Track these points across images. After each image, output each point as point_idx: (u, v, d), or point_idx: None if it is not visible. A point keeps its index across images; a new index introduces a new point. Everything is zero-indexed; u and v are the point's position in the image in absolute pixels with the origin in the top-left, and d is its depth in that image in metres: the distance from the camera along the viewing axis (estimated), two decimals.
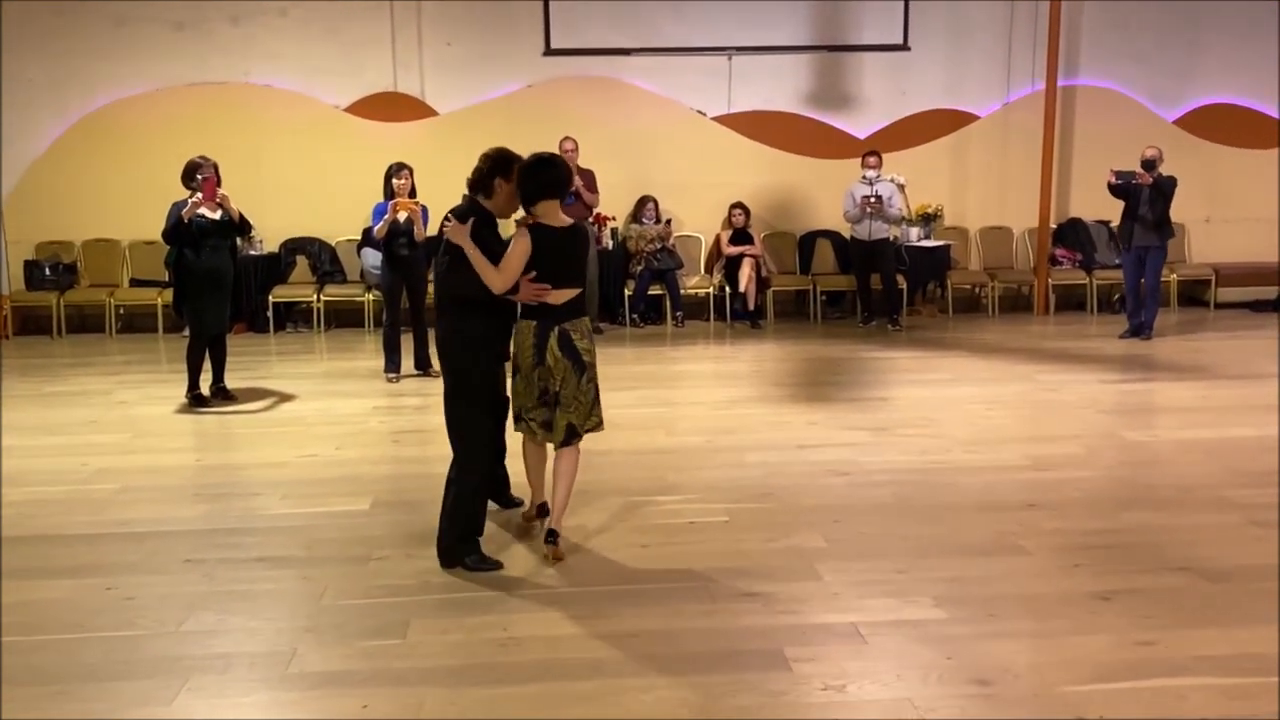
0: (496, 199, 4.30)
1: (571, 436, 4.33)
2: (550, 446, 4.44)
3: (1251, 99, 11.37)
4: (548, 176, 4.25)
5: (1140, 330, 9.36)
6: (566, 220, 4.33)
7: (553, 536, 4.33)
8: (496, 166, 4.28)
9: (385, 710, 3.13)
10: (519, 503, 4.87)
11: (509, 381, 4.39)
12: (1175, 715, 3.06)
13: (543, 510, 4.62)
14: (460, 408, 4.31)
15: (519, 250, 4.17)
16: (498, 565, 4.26)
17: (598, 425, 4.42)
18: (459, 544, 4.26)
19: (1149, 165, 9.01)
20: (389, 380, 8.01)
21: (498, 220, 4.35)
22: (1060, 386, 7.46)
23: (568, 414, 4.30)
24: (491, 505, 4.59)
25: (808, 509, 4.91)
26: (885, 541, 4.48)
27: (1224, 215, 11.23)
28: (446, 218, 4.27)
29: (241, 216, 7.05)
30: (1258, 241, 11.37)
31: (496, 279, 4.14)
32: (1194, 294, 11.14)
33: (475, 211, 4.28)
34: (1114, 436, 6.16)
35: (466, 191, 4.38)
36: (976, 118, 11.11)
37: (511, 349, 4.35)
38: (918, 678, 3.30)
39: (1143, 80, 11.16)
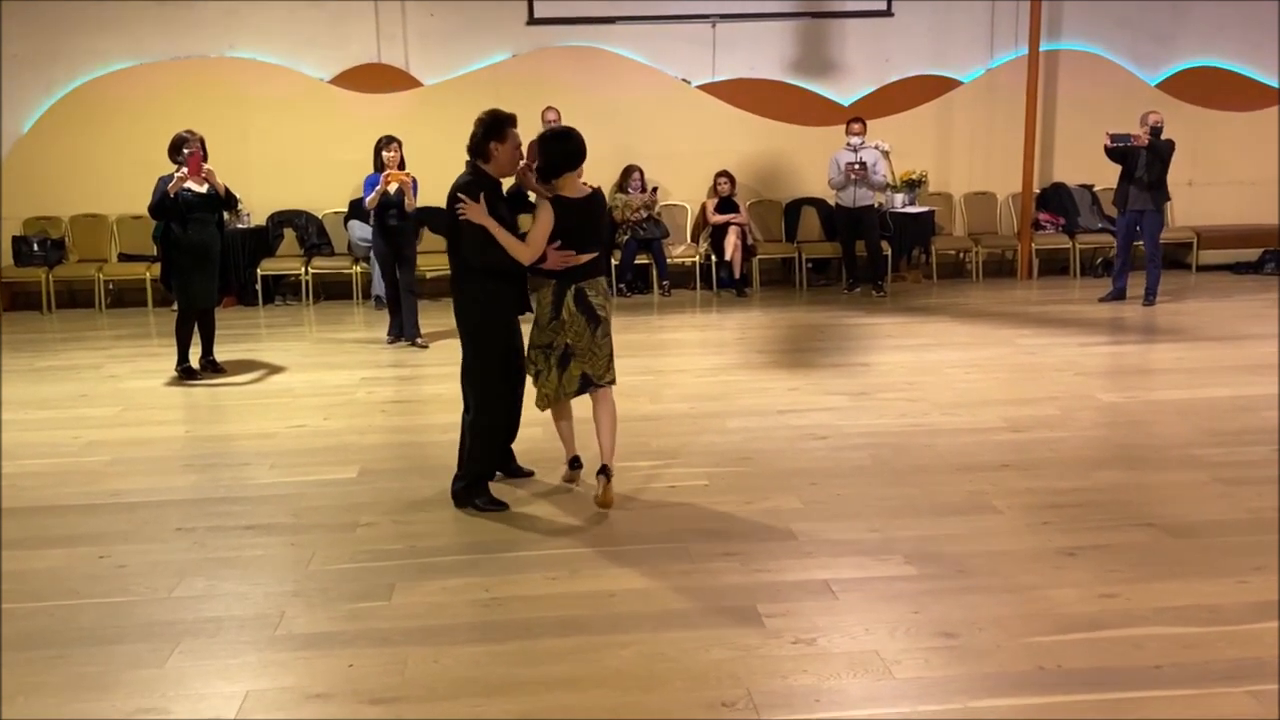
0: (496, 162, 4.42)
1: (586, 385, 4.56)
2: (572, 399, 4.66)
3: (1233, 62, 11.41)
4: (563, 149, 4.40)
5: (1123, 294, 9.44)
6: (585, 189, 4.50)
7: (605, 471, 4.54)
8: (489, 130, 4.39)
9: (370, 668, 3.24)
10: (529, 473, 4.97)
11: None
12: (1131, 663, 3.18)
13: (575, 464, 4.80)
14: (478, 366, 4.55)
15: (543, 224, 4.35)
16: (504, 506, 4.55)
17: (613, 379, 4.62)
18: (471, 486, 4.55)
19: (1155, 131, 9.03)
20: (389, 343, 8.15)
21: (500, 180, 4.49)
22: (1040, 350, 7.57)
23: (582, 364, 4.52)
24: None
25: (786, 472, 5.01)
26: (860, 502, 4.59)
27: (1206, 178, 11.30)
28: (456, 198, 4.34)
29: (227, 191, 7.09)
30: (1239, 204, 11.47)
31: (524, 252, 4.35)
32: (1176, 257, 11.23)
33: (478, 178, 4.39)
34: (1089, 398, 6.27)
35: (468, 158, 4.49)
36: (960, 83, 11.15)
37: (532, 307, 4.53)
38: (885, 631, 3.41)
39: (1125, 44, 11.20)
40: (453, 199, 4.36)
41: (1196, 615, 3.48)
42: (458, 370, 7.31)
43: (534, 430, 5.12)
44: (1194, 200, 11.30)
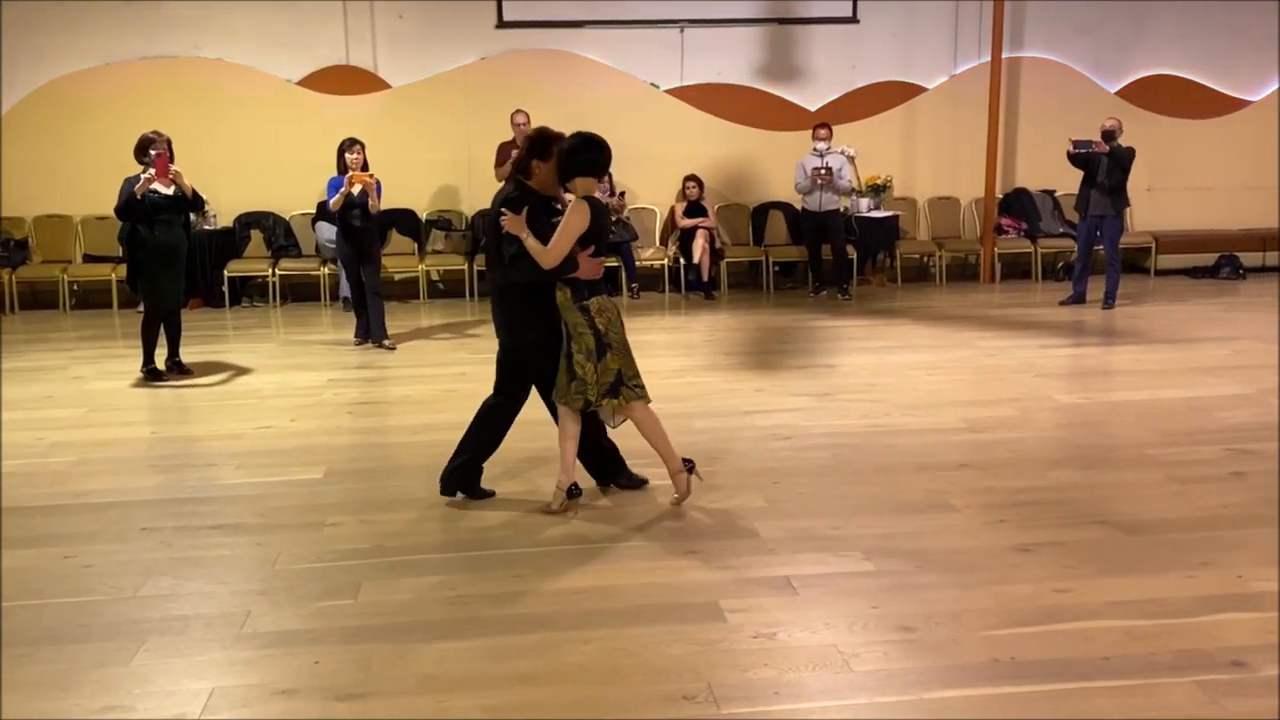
0: (538, 178, 4.46)
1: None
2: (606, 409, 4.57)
3: (1191, 70, 11.65)
4: (592, 157, 4.41)
5: (1083, 298, 9.62)
6: (602, 196, 4.60)
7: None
8: (533, 148, 4.45)
9: (336, 665, 3.27)
10: (643, 480, 4.85)
11: (590, 366, 4.39)
12: (1081, 655, 3.27)
13: (573, 491, 4.58)
14: (512, 375, 4.64)
15: (573, 225, 4.30)
16: (490, 494, 4.73)
17: None
18: (458, 470, 4.69)
19: (1109, 136, 9.22)
20: (356, 344, 8.17)
21: (546, 196, 4.50)
22: (1000, 352, 7.70)
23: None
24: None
25: (750, 472, 5.08)
26: (822, 501, 4.67)
27: (1164, 184, 11.53)
28: (500, 210, 4.39)
29: (194, 192, 7.08)
30: (1196, 210, 11.71)
31: (544, 255, 4.30)
32: (1135, 261, 11.44)
33: (522, 193, 4.43)
34: (1048, 400, 6.39)
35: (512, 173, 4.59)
36: (924, 90, 11.31)
37: (600, 326, 4.38)
38: (844, 625, 3.48)
39: (1086, 52, 11.41)
40: (497, 212, 4.43)
41: (1146, 609, 3.57)
42: (424, 372, 7.40)
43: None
44: (1153, 206, 11.52)
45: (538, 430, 5.89)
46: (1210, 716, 2.92)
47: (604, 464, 4.84)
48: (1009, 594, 3.71)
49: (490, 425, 4.70)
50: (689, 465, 4.64)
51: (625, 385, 4.46)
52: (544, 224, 4.39)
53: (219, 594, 3.81)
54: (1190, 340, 8.04)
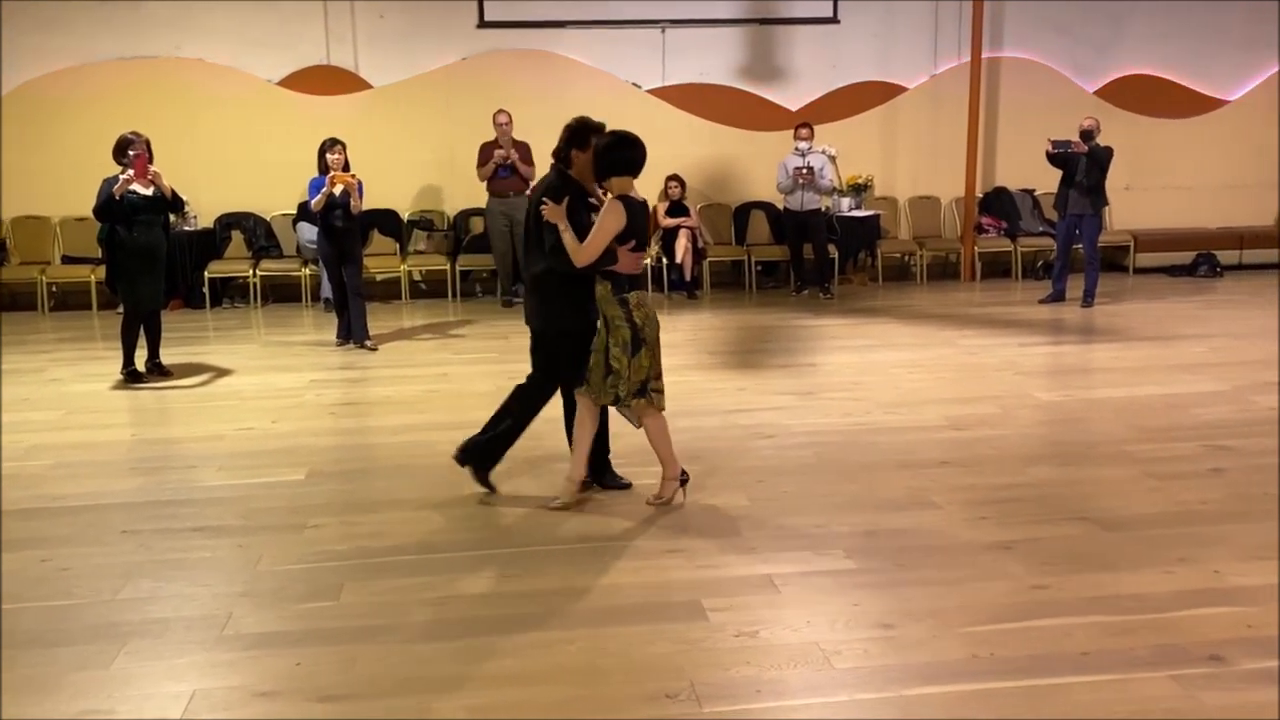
0: (577, 168, 4.51)
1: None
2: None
3: (1168, 71, 11.75)
4: (627, 155, 4.41)
5: (1062, 296, 9.69)
6: (639, 195, 4.54)
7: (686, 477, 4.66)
8: (573, 138, 4.50)
9: (317, 667, 3.26)
10: (626, 484, 4.85)
11: (625, 360, 4.40)
12: (1060, 651, 3.29)
13: (683, 479, 4.65)
14: (561, 361, 4.61)
15: (608, 225, 4.33)
16: (493, 489, 4.73)
17: None
18: (478, 454, 4.72)
19: (1086, 135, 9.29)
20: (338, 345, 8.15)
21: (585, 186, 4.55)
22: (981, 350, 7.75)
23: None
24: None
25: (733, 470, 5.10)
26: (804, 499, 4.69)
27: (1143, 183, 11.62)
28: (542, 199, 4.41)
29: (174, 193, 7.06)
30: (1175, 209, 11.81)
31: (579, 252, 4.33)
32: (1114, 259, 11.53)
33: (563, 182, 4.47)
34: (1028, 397, 6.43)
35: (552, 161, 4.60)
36: (905, 89, 11.36)
37: (637, 321, 4.40)
38: (825, 623, 3.50)
39: (1065, 51, 11.48)
40: (538, 200, 4.45)
41: (1123, 604, 3.61)
42: (406, 373, 7.38)
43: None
44: (1131, 205, 11.60)
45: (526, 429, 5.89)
46: (1186, 710, 2.95)
47: (601, 466, 4.86)
48: (988, 590, 3.74)
49: (522, 399, 4.71)
50: (684, 478, 4.65)
51: (652, 383, 4.49)
52: (583, 216, 4.43)
53: (200, 596, 3.79)
54: (1168, 338, 8.11)
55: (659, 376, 4.53)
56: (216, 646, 3.41)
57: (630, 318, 4.40)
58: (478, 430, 4.79)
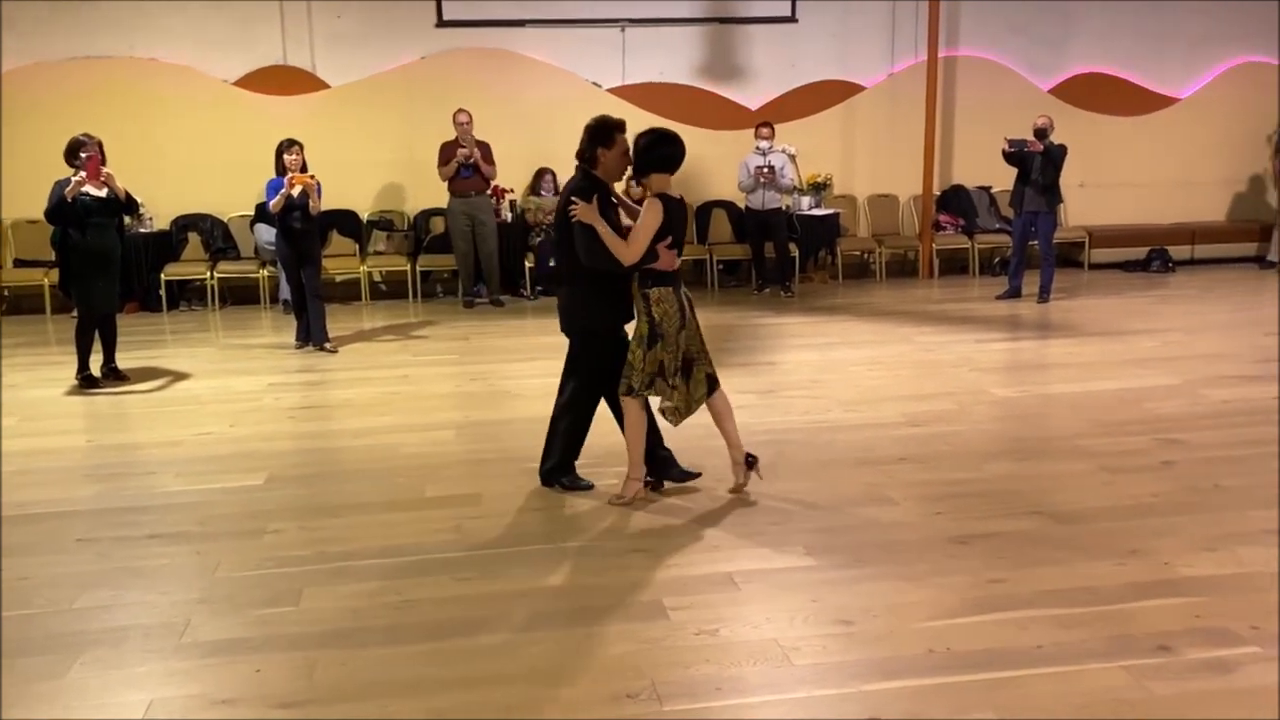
0: (603, 167, 4.52)
1: (713, 385, 4.64)
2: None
3: (1121, 69, 11.93)
4: (666, 152, 4.47)
5: (1018, 292, 9.82)
6: (676, 191, 4.57)
7: (752, 461, 4.70)
8: (596, 137, 4.51)
9: (278, 673, 3.25)
10: (696, 474, 4.88)
11: (640, 352, 4.49)
12: (1014, 644, 3.35)
13: (749, 461, 4.72)
14: (585, 365, 4.69)
15: (650, 223, 4.37)
16: (589, 485, 4.80)
17: None
18: (558, 467, 4.81)
19: (1041, 134, 9.42)
20: (297, 348, 8.10)
21: (612, 185, 4.57)
22: (938, 347, 7.84)
23: (704, 366, 4.62)
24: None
25: (694, 469, 5.11)
26: (764, 498, 4.72)
27: (1096, 180, 11.79)
28: (571, 200, 4.41)
29: (128, 195, 6.97)
30: (1128, 205, 12.00)
31: (627, 252, 4.37)
32: (1069, 255, 11.69)
33: (590, 182, 4.48)
34: (984, 393, 6.52)
35: (577, 162, 4.59)
36: (863, 88, 11.45)
37: (655, 316, 4.46)
38: (785, 620, 3.54)
39: (1020, 50, 11.62)
40: (566, 201, 4.44)
41: (1077, 597, 3.68)
42: (366, 375, 7.34)
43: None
44: (1086, 201, 11.78)
45: (483, 430, 5.91)
46: (1136, 700, 3.02)
47: (658, 467, 4.86)
48: (945, 585, 3.79)
49: (570, 409, 4.73)
50: (649, 483, 4.70)
51: (662, 378, 4.51)
52: (610, 215, 4.45)
53: (158, 604, 3.76)
54: (1121, 333, 8.24)
55: (676, 374, 4.53)
56: (174, 654, 3.39)
57: (649, 312, 4.46)
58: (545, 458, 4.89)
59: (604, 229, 4.38)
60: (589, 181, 4.51)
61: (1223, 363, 7.14)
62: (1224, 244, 11.96)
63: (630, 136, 4.55)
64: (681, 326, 4.50)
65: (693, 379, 4.60)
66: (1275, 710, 2.97)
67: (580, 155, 4.56)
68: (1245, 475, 4.91)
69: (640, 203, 4.53)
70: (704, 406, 4.66)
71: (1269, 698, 3.03)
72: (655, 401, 4.61)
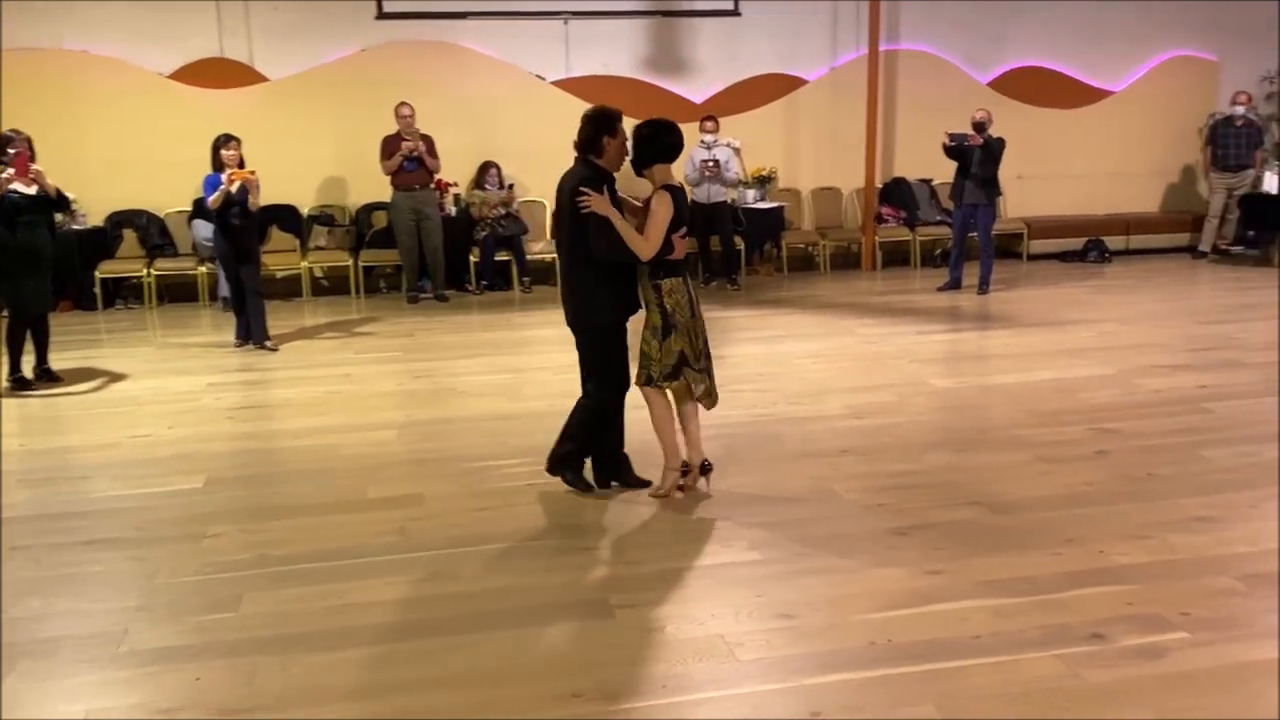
0: (608, 156, 4.45)
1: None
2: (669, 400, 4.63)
3: (1057, 62, 12.14)
4: (667, 141, 4.44)
5: (959, 284, 9.96)
6: (678, 181, 4.55)
7: (708, 468, 4.71)
8: (602, 125, 4.44)
9: (217, 681, 3.21)
10: (647, 483, 4.81)
11: (655, 343, 4.47)
12: (953, 635, 3.41)
13: (704, 468, 4.74)
14: (598, 360, 4.60)
15: (663, 215, 4.34)
16: (590, 488, 4.71)
17: None
18: (568, 456, 4.70)
19: (979, 127, 9.56)
20: (237, 346, 7.98)
21: (614, 175, 4.51)
22: (880, 339, 7.93)
23: (710, 362, 4.63)
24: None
25: (641, 467, 5.07)
26: (711, 493, 4.74)
27: (1034, 172, 11.99)
28: (579, 191, 4.33)
29: (59, 192, 6.82)
30: (1065, 197, 12.23)
31: (644, 246, 4.34)
32: (1008, 247, 11.88)
33: (595, 173, 4.41)
34: (925, 384, 6.61)
35: (576, 154, 4.50)
36: (805, 82, 11.52)
37: (668, 307, 4.44)
38: (730, 615, 3.57)
39: (959, 45, 11.77)
40: (574, 193, 4.35)
41: (1013, 586, 3.75)
42: (308, 373, 7.26)
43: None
44: (1024, 193, 11.98)
45: (427, 430, 5.87)
46: (1070, 688, 3.09)
47: (615, 469, 4.84)
48: (885, 577, 3.85)
49: (592, 412, 4.64)
50: (685, 470, 4.67)
51: (689, 366, 4.50)
52: (619, 204, 4.41)
53: (94, 612, 3.69)
54: (1058, 323, 8.40)
55: (699, 358, 4.54)
56: (111, 664, 3.33)
57: (661, 303, 4.45)
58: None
59: (620, 221, 4.34)
60: (593, 171, 4.42)
61: (1156, 352, 7.31)
62: (1158, 234, 12.23)
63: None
64: (692, 315, 4.52)
65: (712, 374, 4.65)
66: (1204, 693, 3.05)
67: (582, 145, 4.46)
68: (1176, 464, 5.03)
69: (646, 202, 4.48)
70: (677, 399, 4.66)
71: (1198, 682, 3.11)
72: (636, 393, 4.62)
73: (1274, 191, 11.25)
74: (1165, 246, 12.21)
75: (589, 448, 4.76)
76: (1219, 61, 12.45)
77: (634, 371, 4.62)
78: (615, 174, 4.52)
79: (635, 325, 4.62)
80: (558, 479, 4.80)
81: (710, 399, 4.65)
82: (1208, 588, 3.71)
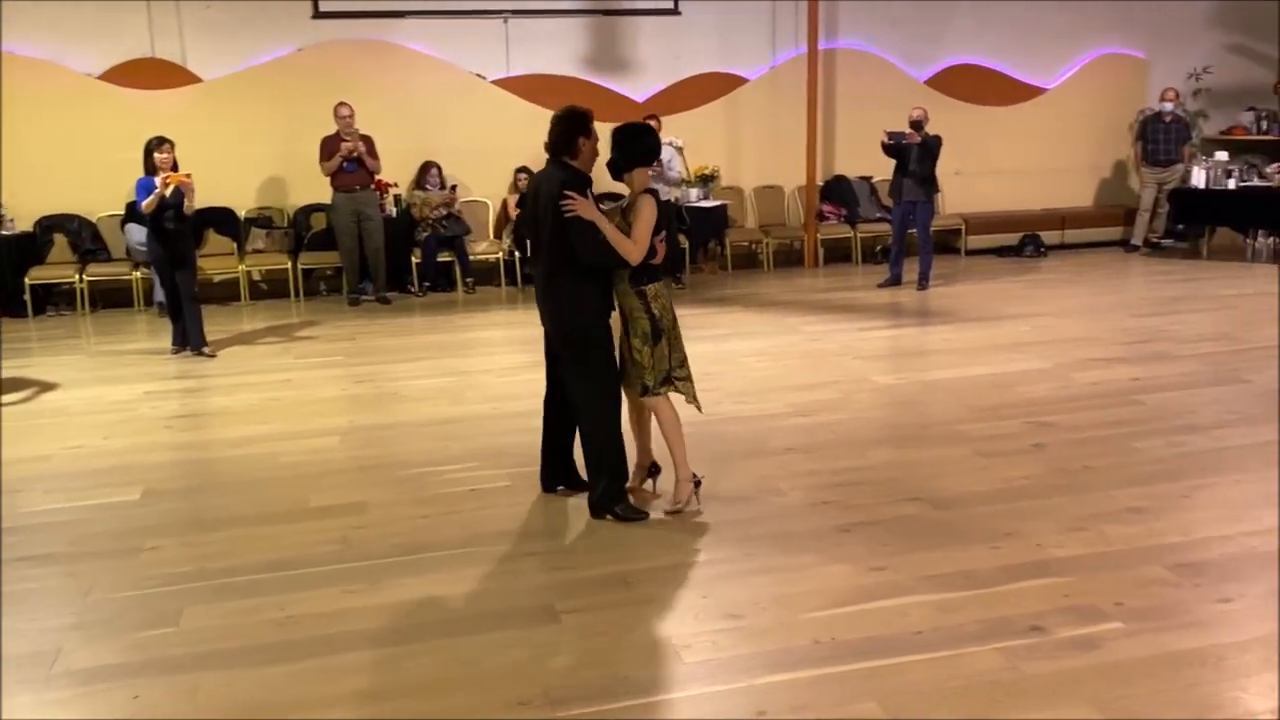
0: (583, 158, 4.37)
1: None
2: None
3: (992, 60, 12.33)
4: (644, 144, 4.42)
5: (899, 280, 10.09)
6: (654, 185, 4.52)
7: (655, 470, 4.75)
8: (576, 126, 4.34)
9: (157, 699, 3.15)
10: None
11: (646, 350, 4.42)
12: (896, 631, 3.46)
13: (652, 470, 4.77)
14: (589, 368, 4.46)
15: (648, 219, 4.31)
16: (644, 515, 4.49)
17: None
18: (606, 492, 4.46)
19: (917, 125, 9.68)
20: (174, 353, 7.84)
21: (591, 177, 4.43)
22: (823, 336, 8.01)
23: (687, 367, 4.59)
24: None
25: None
26: (657, 495, 4.75)
27: (971, 168, 12.17)
28: (566, 194, 4.22)
29: None
30: (1001, 192, 12.43)
31: (634, 250, 4.29)
32: (947, 242, 12.05)
33: (573, 176, 4.32)
34: (867, 381, 6.69)
35: (548, 155, 4.40)
36: (746, 80, 11.58)
37: (655, 312, 4.41)
38: (676, 618, 3.58)
39: (896, 43, 11.91)
40: (557, 196, 4.24)
41: (954, 581, 3.81)
42: (247, 380, 7.15)
43: None
44: (961, 189, 12.15)
45: (368, 435, 5.82)
46: (1009, 681, 3.15)
47: (566, 470, 4.79)
48: (830, 575, 3.89)
49: (595, 427, 4.48)
50: (698, 481, 4.62)
51: (673, 373, 4.49)
52: (598, 206, 4.35)
53: (26, 631, 3.60)
54: (996, 318, 8.54)
55: (683, 365, 4.54)
56: (45, 685, 3.25)
57: (649, 309, 4.42)
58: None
59: (606, 225, 4.27)
60: (571, 174, 4.33)
61: (1090, 346, 7.47)
62: (1091, 229, 12.49)
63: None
64: (674, 319, 4.52)
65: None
66: (1139, 683, 3.13)
67: (556, 147, 4.36)
68: (1111, 456, 5.15)
69: (625, 213, 4.42)
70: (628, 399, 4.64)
71: (1133, 672, 3.19)
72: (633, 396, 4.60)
73: (1202, 185, 11.55)
74: (1099, 240, 12.47)
75: (621, 471, 4.52)
76: (1148, 59, 12.75)
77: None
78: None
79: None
80: (543, 487, 4.80)
81: (697, 402, 4.66)
82: (1141, 578, 3.80)
